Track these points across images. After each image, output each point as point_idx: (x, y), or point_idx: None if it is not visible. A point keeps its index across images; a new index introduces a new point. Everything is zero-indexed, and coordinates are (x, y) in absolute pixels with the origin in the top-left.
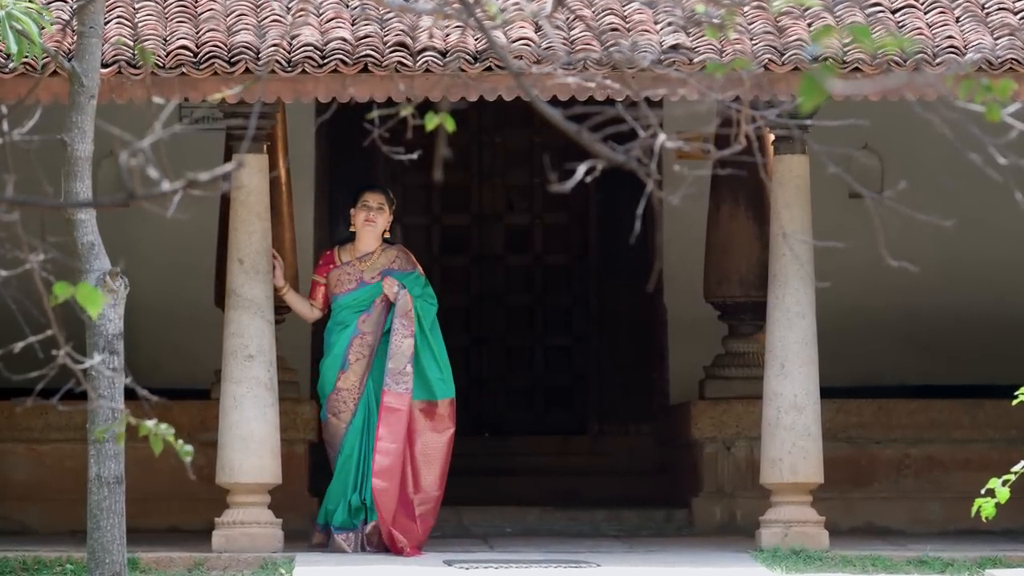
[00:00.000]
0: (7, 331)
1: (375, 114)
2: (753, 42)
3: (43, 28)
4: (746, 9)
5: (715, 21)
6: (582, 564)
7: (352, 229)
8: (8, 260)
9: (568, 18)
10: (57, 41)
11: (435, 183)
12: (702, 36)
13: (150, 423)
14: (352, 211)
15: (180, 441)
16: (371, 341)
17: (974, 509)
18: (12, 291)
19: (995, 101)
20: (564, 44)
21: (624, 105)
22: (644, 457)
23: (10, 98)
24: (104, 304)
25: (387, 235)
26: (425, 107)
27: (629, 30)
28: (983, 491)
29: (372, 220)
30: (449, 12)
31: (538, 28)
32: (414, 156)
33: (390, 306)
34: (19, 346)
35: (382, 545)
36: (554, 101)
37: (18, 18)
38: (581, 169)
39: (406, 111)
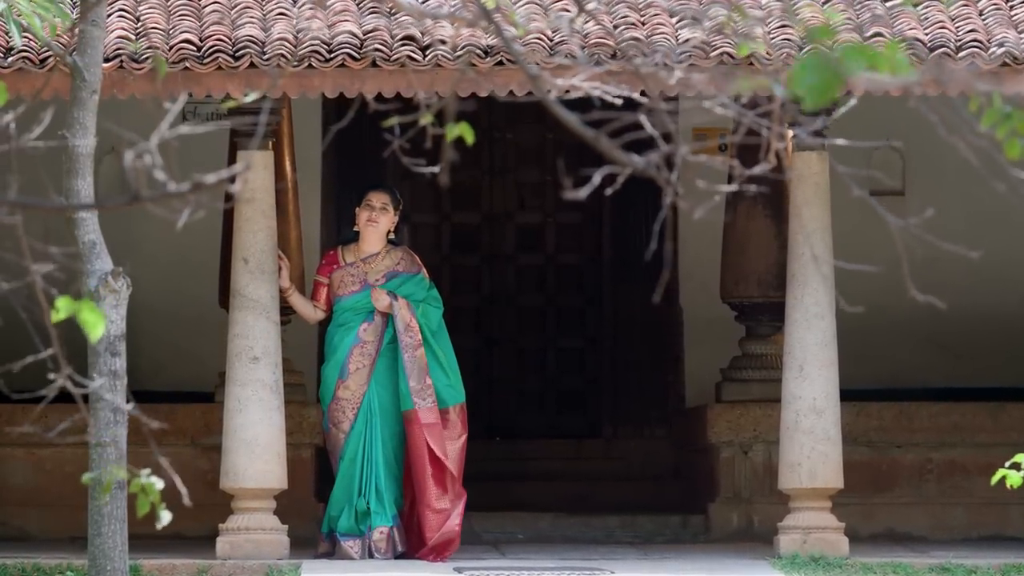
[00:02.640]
0: (7, 337)
1: (393, 121)
2: (772, 37)
3: (46, 21)
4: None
5: (741, 31)
6: (596, 571)
7: (356, 228)
8: (10, 265)
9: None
10: (59, 35)
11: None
12: (718, 30)
13: (142, 478)
14: (357, 210)
15: (163, 505)
16: (371, 351)
17: (995, 478)
18: (15, 296)
19: (1016, 135)
20: (577, 38)
21: (643, 111)
22: (659, 461)
23: (10, 94)
24: (106, 305)
25: (391, 236)
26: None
27: (643, 24)
28: (1008, 464)
29: (374, 220)
30: (467, 17)
31: (552, 26)
32: (436, 169)
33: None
34: (18, 366)
35: (391, 551)
36: (569, 102)
37: (20, 10)
38: (597, 176)
39: (426, 119)
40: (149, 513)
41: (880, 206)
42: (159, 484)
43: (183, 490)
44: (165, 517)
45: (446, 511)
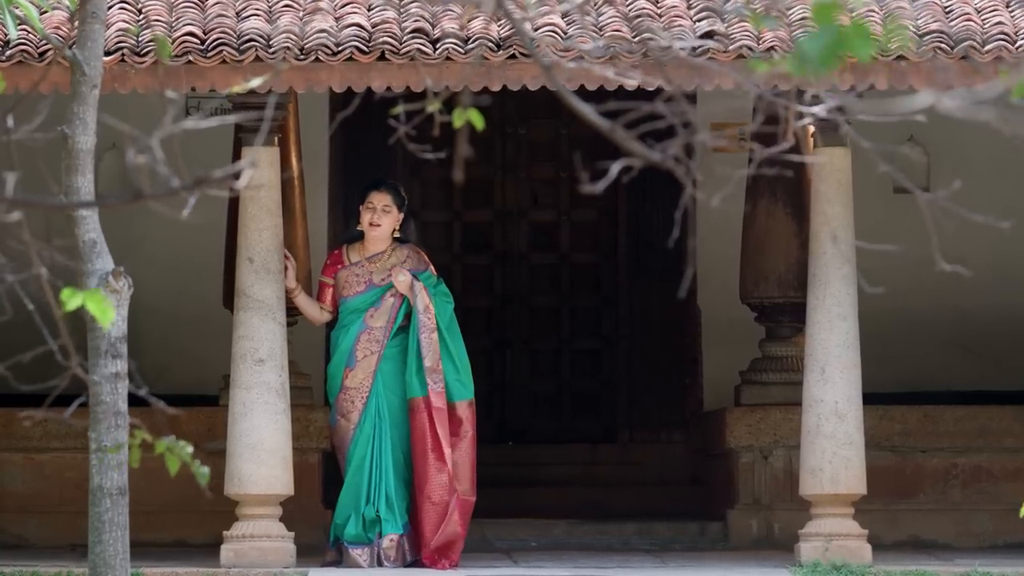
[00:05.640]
0: (11, 334)
1: (400, 109)
2: (792, 28)
3: (44, 12)
4: None
5: (758, 10)
6: None
7: (360, 228)
8: (12, 261)
9: (596, 3)
10: (57, 27)
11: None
12: (736, 22)
13: (167, 440)
14: (360, 208)
15: (197, 461)
16: (380, 336)
17: (1023, 511)
18: (16, 293)
19: None
20: (592, 30)
21: (661, 99)
22: (676, 467)
23: (8, 88)
24: None
25: (397, 234)
26: (446, 98)
27: (661, 16)
28: None
29: (376, 224)
30: (479, 3)
31: (565, 14)
32: (442, 155)
33: (402, 300)
34: (28, 356)
35: (401, 560)
36: (584, 94)
37: (18, 2)
38: (614, 169)
39: (433, 106)
40: (152, 522)
41: (902, 197)
42: (189, 448)
43: (206, 470)
44: (204, 474)
45: (445, 504)
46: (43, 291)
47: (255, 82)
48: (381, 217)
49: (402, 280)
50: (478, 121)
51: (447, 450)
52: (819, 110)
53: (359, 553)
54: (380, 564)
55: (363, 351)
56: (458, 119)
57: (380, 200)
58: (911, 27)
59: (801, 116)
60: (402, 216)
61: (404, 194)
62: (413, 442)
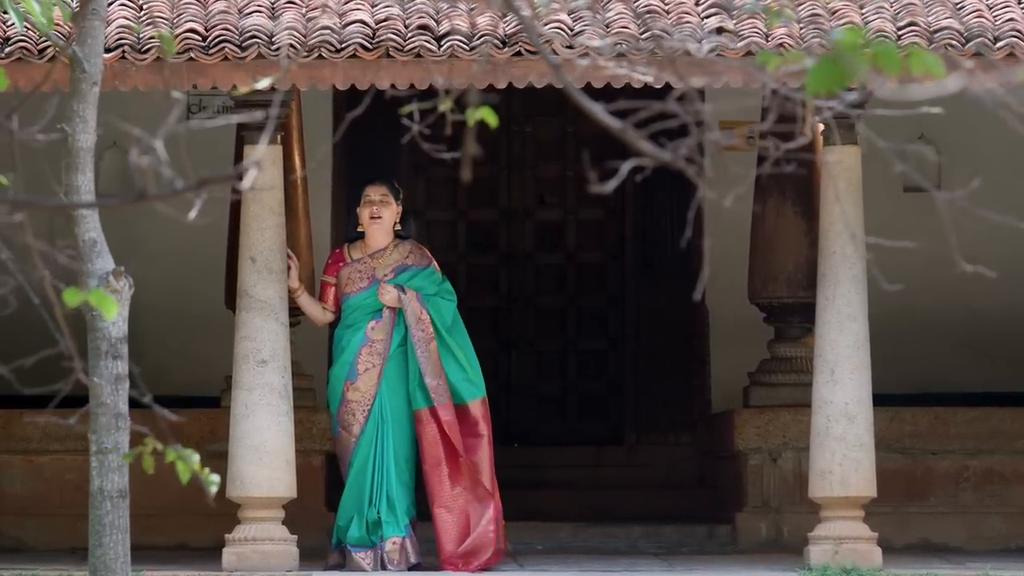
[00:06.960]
0: (12, 336)
1: (413, 108)
2: (800, 26)
3: (55, 5)
4: None
5: (772, 7)
6: None
7: (360, 228)
8: (14, 261)
9: (604, 0)
10: (57, 24)
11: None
12: (745, 18)
13: (176, 448)
14: (359, 210)
15: (207, 469)
16: (381, 350)
17: None
18: (18, 293)
19: None
20: (600, 27)
21: (672, 98)
22: (684, 469)
23: (8, 85)
24: None
25: (398, 228)
26: (449, 95)
27: (668, 13)
28: None
29: (377, 215)
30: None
31: (572, 11)
32: (456, 154)
33: (396, 311)
34: (31, 360)
35: (404, 563)
36: (592, 92)
37: None
38: (625, 168)
39: (445, 105)
40: (153, 525)
41: (913, 195)
42: (196, 456)
43: (216, 478)
44: (214, 481)
45: (462, 510)
46: (45, 292)
47: (264, 83)
48: (381, 209)
49: (389, 297)
50: (492, 119)
51: (461, 459)
52: (835, 104)
53: (362, 556)
54: (383, 567)
55: (364, 364)
56: (470, 117)
57: (377, 192)
58: (924, 27)
59: (817, 112)
60: (400, 209)
61: (398, 186)
62: (422, 454)
